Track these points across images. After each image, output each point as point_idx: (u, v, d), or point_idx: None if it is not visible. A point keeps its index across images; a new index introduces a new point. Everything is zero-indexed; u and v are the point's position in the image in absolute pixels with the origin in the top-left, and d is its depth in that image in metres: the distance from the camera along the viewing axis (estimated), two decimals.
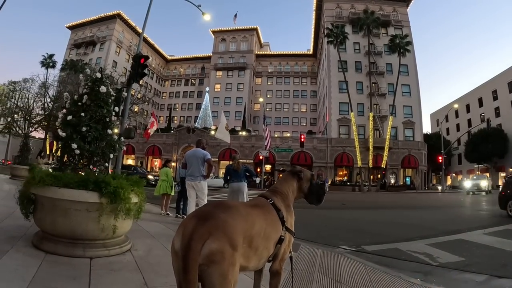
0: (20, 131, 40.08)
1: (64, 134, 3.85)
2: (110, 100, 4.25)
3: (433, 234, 7.07)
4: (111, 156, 4.22)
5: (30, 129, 39.82)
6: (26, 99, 40.65)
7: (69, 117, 3.87)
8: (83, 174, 3.75)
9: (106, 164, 4.24)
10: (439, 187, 41.88)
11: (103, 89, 4.06)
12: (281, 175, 2.56)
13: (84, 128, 3.88)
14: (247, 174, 7.45)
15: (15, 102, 41.07)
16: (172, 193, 9.24)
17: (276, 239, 1.97)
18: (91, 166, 4.04)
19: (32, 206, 3.64)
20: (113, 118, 4.34)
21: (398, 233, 7.42)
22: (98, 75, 4.13)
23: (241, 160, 7.57)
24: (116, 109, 4.43)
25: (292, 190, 2.34)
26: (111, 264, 3.37)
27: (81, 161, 4.02)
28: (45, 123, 38.74)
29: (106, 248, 3.66)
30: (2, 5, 15.26)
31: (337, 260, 4.48)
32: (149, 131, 27.50)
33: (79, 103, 4.03)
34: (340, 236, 6.96)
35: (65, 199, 3.43)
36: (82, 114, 3.91)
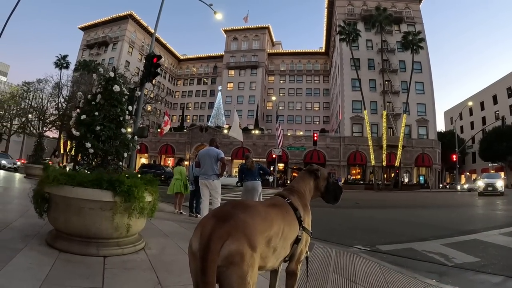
0: (34, 131, 41.11)
1: (78, 133, 3.88)
2: (124, 99, 4.25)
3: (448, 234, 6.90)
4: (125, 154, 4.23)
5: (44, 128, 40.75)
6: (40, 100, 41.61)
7: (83, 117, 3.89)
8: (97, 172, 3.76)
9: (120, 163, 4.25)
10: (458, 187, 40.94)
11: (116, 88, 4.07)
12: (295, 174, 2.52)
13: (98, 127, 3.90)
14: (261, 172, 7.44)
15: (29, 103, 42.10)
16: (187, 192, 9.27)
17: (293, 239, 1.94)
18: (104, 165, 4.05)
19: (46, 205, 3.67)
20: (127, 117, 4.34)
21: (412, 233, 7.27)
22: (112, 74, 4.15)
23: (254, 159, 7.54)
24: (130, 108, 4.43)
25: (309, 189, 2.32)
26: (124, 263, 3.37)
27: (95, 160, 4.05)
28: (59, 123, 39.59)
29: (120, 246, 3.67)
30: (14, 9, 15.60)
31: (351, 260, 4.42)
32: (163, 128, 27.78)
33: (93, 103, 4.06)
34: (354, 236, 6.85)
35: (79, 198, 3.45)
36: (96, 113, 3.93)
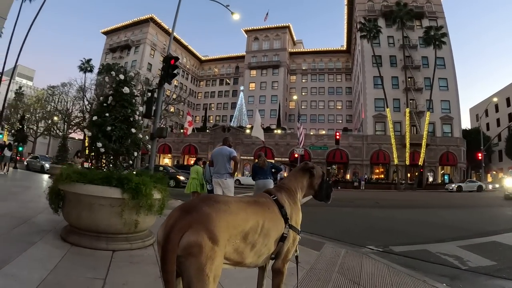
0: (59, 133, 42.95)
1: (90, 134, 4.07)
2: (134, 100, 4.41)
3: (466, 236, 6.66)
4: (135, 154, 4.38)
5: (70, 130, 42.36)
6: (65, 103, 43.32)
7: (95, 118, 4.08)
8: (107, 171, 3.94)
9: (131, 162, 4.41)
10: (490, 186, 38.97)
11: (126, 90, 4.23)
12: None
13: (108, 128, 4.07)
14: (273, 170, 7.47)
15: (55, 106, 43.94)
16: (204, 191, 9.43)
17: (277, 237, 1.93)
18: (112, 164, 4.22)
19: (61, 202, 3.88)
20: (138, 117, 4.50)
21: (429, 234, 7.07)
22: (122, 76, 4.31)
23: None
24: (141, 108, 4.59)
25: (301, 187, 2.31)
26: (131, 257, 3.51)
27: (106, 159, 4.23)
28: (83, 125, 41.20)
29: (128, 242, 3.82)
30: (36, 16, 16.29)
31: (359, 261, 4.32)
32: (187, 127, 28.30)
33: (104, 104, 4.24)
34: (368, 236, 6.74)
35: (89, 195, 3.64)
36: (107, 114, 4.11)
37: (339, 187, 35.10)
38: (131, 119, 4.38)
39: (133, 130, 4.32)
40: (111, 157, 4.24)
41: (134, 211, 3.72)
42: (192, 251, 1.40)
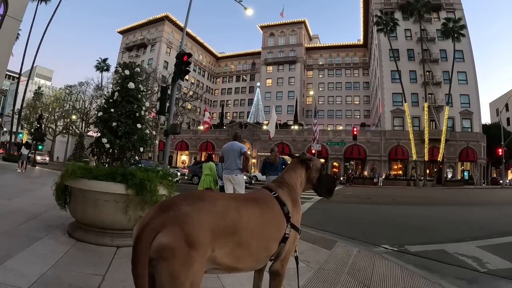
0: (77, 131, 43.82)
1: (96, 130, 4.06)
2: (140, 95, 4.37)
3: (486, 235, 6.32)
4: (141, 149, 4.35)
5: (88, 128, 43.26)
6: (82, 101, 44.28)
7: (100, 114, 4.06)
8: (112, 166, 3.92)
9: (137, 157, 4.39)
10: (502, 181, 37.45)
11: (131, 85, 4.19)
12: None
13: (114, 123, 4.05)
14: (284, 166, 7.33)
15: (72, 105, 45.01)
16: (217, 187, 9.42)
17: (279, 237, 1.77)
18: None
19: (67, 198, 3.90)
20: (144, 113, 4.45)
21: (448, 232, 6.76)
22: (127, 72, 4.28)
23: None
24: (147, 104, 4.55)
25: (301, 182, 2.12)
26: None
27: (111, 154, 4.21)
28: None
29: None
30: (52, 17, 16.61)
31: (372, 261, 4.10)
32: (209, 122, 28.34)
33: (110, 100, 4.22)
34: (384, 234, 6.48)
35: (94, 190, 3.64)
36: (112, 110, 4.08)
37: (351, 183, 34.36)
38: (137, 114, 4.34)
39: (139, 126, 4.27)
40: (116, 153, 4.22)
41: (139, 207, 3.68)
42: (164, 254, 1.26)
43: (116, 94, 4.26)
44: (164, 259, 1.26)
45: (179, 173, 16.90)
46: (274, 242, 1.76)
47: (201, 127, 26.48)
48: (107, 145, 4.01)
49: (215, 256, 1.43)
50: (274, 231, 1.75)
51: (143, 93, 4.53)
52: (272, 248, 1.75)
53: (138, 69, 4.33)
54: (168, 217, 1.34)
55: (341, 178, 36.39)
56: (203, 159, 44.83)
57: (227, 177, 6.64)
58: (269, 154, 7.33)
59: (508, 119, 57.13)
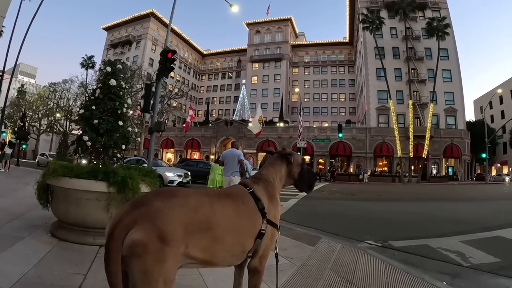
0: (61, 129, 42.89)
1: (78, 127, 3.98)
2: (122, 92, 4.30)
3: (469, 230, 6.49)
4: (123, 147, 4.29)
5: (71, 127, 42.44)
6: (66, 99, 43.39)
7: (81, 111, 3.99)
8: (93, 164, 3.86)
9: (119, 155, 4.33)
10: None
11: (113, 82, 4.13)
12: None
13: (95, 121, 3.98)
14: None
15: (56, 102, 44.02)
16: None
17: (254, 233, 1.76)
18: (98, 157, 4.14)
19: (49, 197, 3.82)
20: (126, 110, 4.39)
21: (431, 228, 6.90)
22: (109, 69, 4.21)
23: None
24: (129, 101, 4.48)
25: (280, 177, 2.09)
26: None
27: (92, 152, 4.14)
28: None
29: None
30: (35, 14, 16.17)
31: (355, 257, 4.14)
32: (188, 120, 28.09)
33: (92, 97, 4.14)
34: (368, 230, 6.58)
35: (75, 189, 3.58)
36: (93, 107, 4.01)
37: (333, 180, 34.56)
38: (119, 111, 4.28)
39: (121, 123, 4.21)
40: (98, 150, 4.15)
41: (121, 205, 3.64)
42: (136, 251, 1.25)
43: (98, 91, 4.19)
44: (136, 256, 1.25)
45: (189, 173, 16.62)
46: (249, 237, 1.75)
47: (189, 122, 26.40)
48: (89, 143, 3.94)
49: (189, 251, 1.43)
50: (249, 226, 1.74)
51: (125, 90, 4.46)
52: (247, 244, 1.75)
53: (120, 66, 4.24)
54: (140, 213, 1.32)
55: (326, 175, 36.76)
56: (189, 157, 44.60)
57: (227, 178, 7.62)
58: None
59: (492, 116, 58.68)
